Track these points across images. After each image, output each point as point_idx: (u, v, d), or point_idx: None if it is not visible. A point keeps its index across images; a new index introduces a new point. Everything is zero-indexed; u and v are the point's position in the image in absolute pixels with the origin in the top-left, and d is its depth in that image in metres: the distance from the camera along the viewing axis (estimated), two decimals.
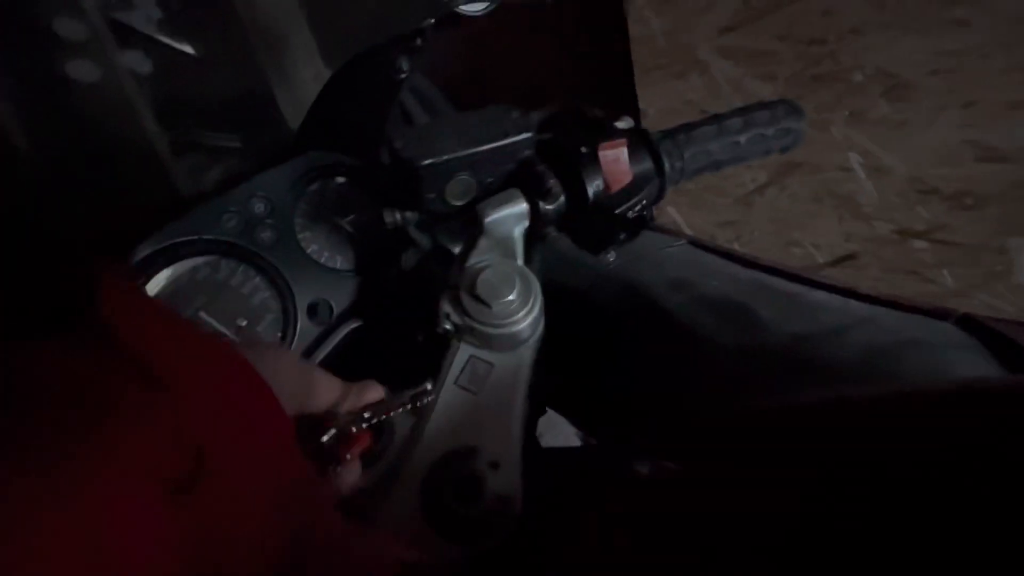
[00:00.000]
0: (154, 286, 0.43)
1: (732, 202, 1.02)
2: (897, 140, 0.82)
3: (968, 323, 0.44)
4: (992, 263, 0.83)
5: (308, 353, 0.47)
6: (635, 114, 1.03)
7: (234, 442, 0.24)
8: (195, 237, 0.44)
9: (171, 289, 0.44)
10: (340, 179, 0.52)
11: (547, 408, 0.57)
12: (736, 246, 1.07)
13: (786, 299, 0.49)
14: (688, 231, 1.10)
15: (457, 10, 0.41)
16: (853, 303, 0.49)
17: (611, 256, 0.51)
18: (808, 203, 0.94)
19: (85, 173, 0.46)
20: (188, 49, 0.46)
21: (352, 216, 0.51)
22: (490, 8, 0.43)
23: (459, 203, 0.39)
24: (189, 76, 0.47)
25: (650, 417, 0.45)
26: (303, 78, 0.50)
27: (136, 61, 0.44)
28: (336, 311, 0.48)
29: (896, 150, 0.83)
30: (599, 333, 0.53)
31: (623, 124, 0.47)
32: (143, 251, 0.42)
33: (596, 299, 0.54)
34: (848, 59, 0.80)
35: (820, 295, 0.51)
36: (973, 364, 0.41)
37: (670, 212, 1.11)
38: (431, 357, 0.41)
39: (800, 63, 0.83)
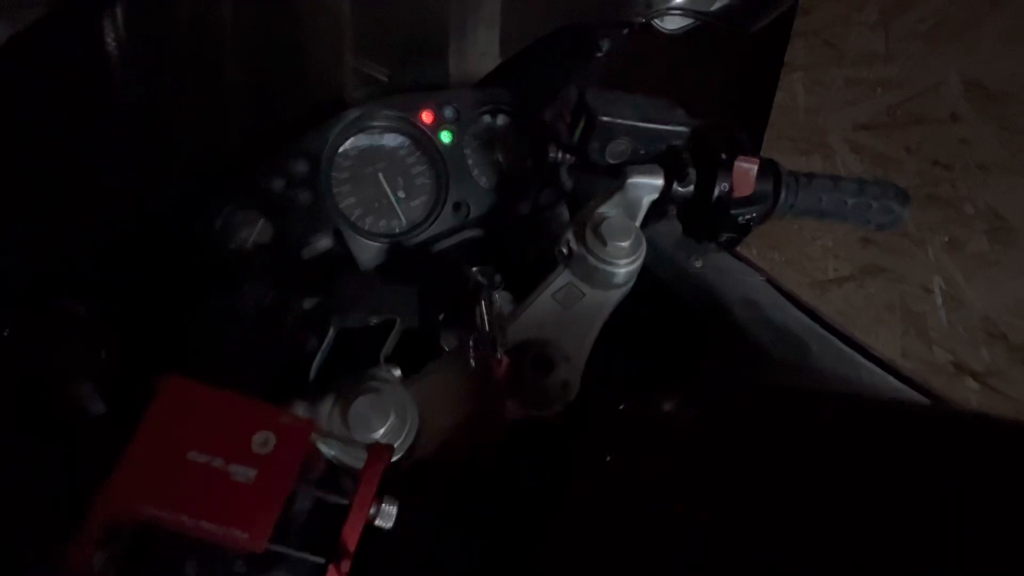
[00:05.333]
0: (356, 138, 0.55)
1: (809, 283, 1.07)
2: (985, 278, 0.86)
3: None
4: None
5: (440, 238, 0.57)
6: None
7: None
8: (398, 115, 0.55)
9: (365, 144, 0.56)
10: (506, 117, 0.62)
11: None
12: None
13: (837, 350, 0.56)
14: None
15: (656, 22, 0.51)
16: (892, 378, 0.56)
17: (699, 263, 0.60)
18: (880, 309, 0.99)
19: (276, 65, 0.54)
20: None
21: (507, 148, 0.62)
22: (688, 28, 0.53)
23: (613, 161, 0.49)
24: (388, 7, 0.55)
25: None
26: (478, 44, 0.59)
27: None
28: (472, 215, 0.59)
29: (980, 287, 0.87)
30: (672, 317, 0.61)
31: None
32: (352, 114, 0.53)
33: (676, 291, 0.63)
34: (965, 189, 0.85)
35: (866, 362, 0.57)
36: None
37: None
38: (535, 272, 0.50)
39: (919, 179, 0.89)
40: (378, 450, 0.29)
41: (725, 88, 1.12)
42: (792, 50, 0.97)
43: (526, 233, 0.59)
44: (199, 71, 0.50)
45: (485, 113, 0.61)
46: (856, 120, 0.93)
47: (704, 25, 0.51)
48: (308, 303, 0.45)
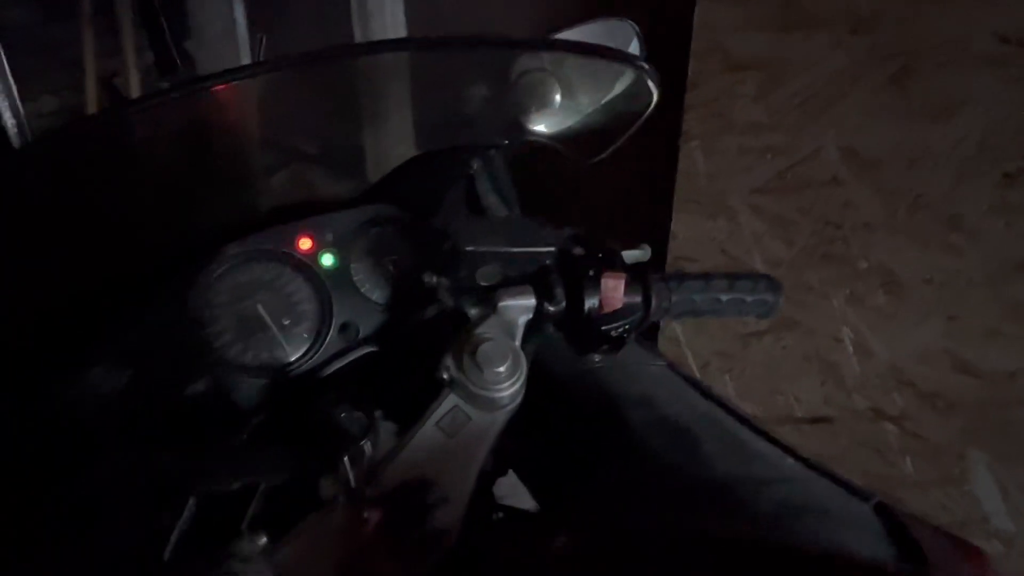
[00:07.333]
0: (231, 273, 0.54)
1: (732, 337, 1.10)
2: (886, 329, 0.90)
3: (882, 510, 0.51)
4: (950, 466, 0.89)
5: (330, 362, 0.56)
6: (666, 231, 1.14)
7: None
8: (272, 248, 0.55)
9: (242, 278, 0.55)
10: (394, 229, 0.62)
11: (509, 470, 0.64)
12: (727, 378, 1.14)
13: (731, 440, 0.57)
14: (687, 349, 1.17)
15: (527, 139, 0.53)
16: (789, 460, 0.57)
17: (596, 357, 0.60)
18: (798, 360, 1.02)
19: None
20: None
21: (396, 261, 0.62)
22: (545, 143, 0.55)
23: (484, 284, 0.49)
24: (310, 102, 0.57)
25: (587, 507, 0.52)
26: (390, 138, 0.62)
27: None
28: (361, 334, 0.58)
29: (884, 338, 0.91)
30: (567, 421, 0.61)
31: (638, 253, 0.57)
32: (233, 249, 0.53)
33: (573, 390, 0.63)
34: (856, 248, 0.90)
35: (762, 444, 0.58)
36: (870, 547, 0.47)
37: (675, 328, 1.19)
38: (423, 395, 0.49)
39: (815, 238, 0.93)
40: None
41: (632, 157, 1.16)
42: (687, 121, 1.02)
43: (415, 350, 0.58)
44: (67, 204, 0.49)
45: (370, 228, 0.61)
46: (752, 184, 0.98)
47: None
48: (170, 466, 0.43)
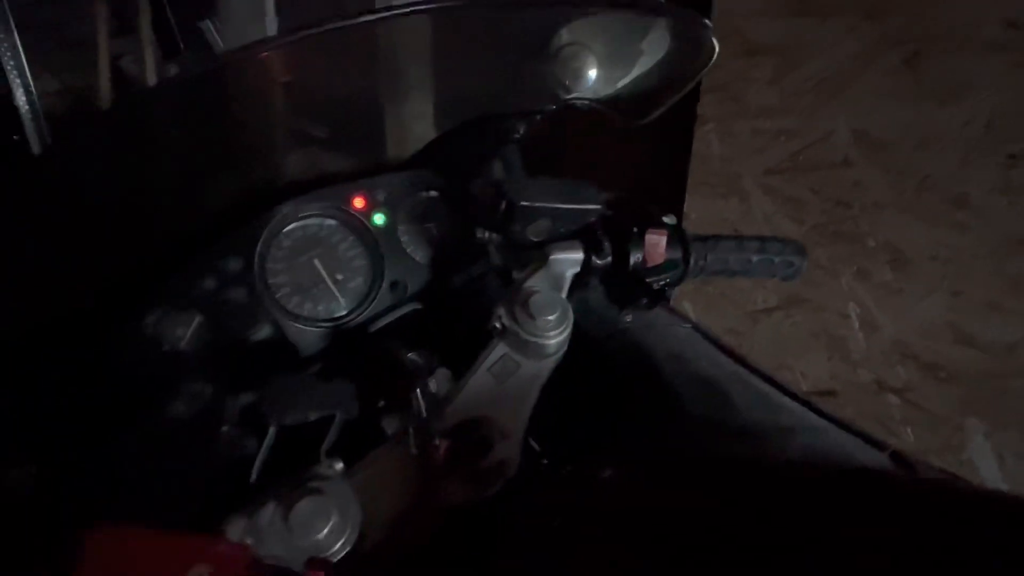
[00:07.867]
0: (290, 229, 0.57)
1: (742, 314, 1.14)
2: (892, 305, 0.95)
3: (898, 458, 0.55)
4: (949, 435, 0.93)
5: (379, 316, 0.59)
6: (680, 212, 1.18)
7: None
8: (330, 204, 0.57)
9: (299, 234, 0.57)
10: (436, 195, 0.65)
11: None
12: None
13: (757, 393, 0.61)
14: None
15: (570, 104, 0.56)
16: (811, 414, 0.61)
17: (629, 318, 0.64)
18: (806, 336, 1.06)
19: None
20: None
21: (439, 224, 0.65)
22: (591, 106, 0.58)
23: (535, 239, 0.52)
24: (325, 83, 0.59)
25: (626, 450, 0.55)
26: (411, 117, 0.64)
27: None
28: (409, 292, 0.61)
29: (889, 313, 0.95)
30: (603, 377, 0.65)
31: (668, 219, 0.61)
32: (293, 206, 0.55)
33: (608, 349, 0.66)
34: (865, 226, 0.94)
35: (786, 399, 0.62)
36: None
37: (687, 307, 1.23)
38: (471, 346, 0.52)
39: (825, 217, 0.98)
40: (314, 565, 0.30)
41: (648, 140, 1.20)
42: (703, 104, 1.06)
43: (461, 306, 0.61)
44: (128, 170, 0.52)
45: (415, 193, 0.63)
46: (765, 166, 1.02)
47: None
48: (245, 400, 0.46)
